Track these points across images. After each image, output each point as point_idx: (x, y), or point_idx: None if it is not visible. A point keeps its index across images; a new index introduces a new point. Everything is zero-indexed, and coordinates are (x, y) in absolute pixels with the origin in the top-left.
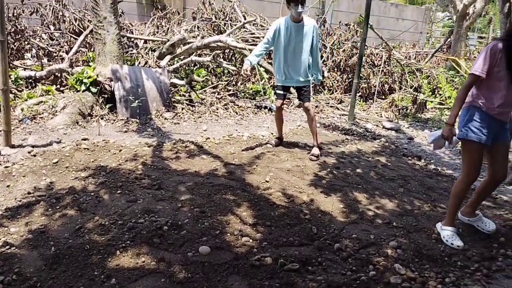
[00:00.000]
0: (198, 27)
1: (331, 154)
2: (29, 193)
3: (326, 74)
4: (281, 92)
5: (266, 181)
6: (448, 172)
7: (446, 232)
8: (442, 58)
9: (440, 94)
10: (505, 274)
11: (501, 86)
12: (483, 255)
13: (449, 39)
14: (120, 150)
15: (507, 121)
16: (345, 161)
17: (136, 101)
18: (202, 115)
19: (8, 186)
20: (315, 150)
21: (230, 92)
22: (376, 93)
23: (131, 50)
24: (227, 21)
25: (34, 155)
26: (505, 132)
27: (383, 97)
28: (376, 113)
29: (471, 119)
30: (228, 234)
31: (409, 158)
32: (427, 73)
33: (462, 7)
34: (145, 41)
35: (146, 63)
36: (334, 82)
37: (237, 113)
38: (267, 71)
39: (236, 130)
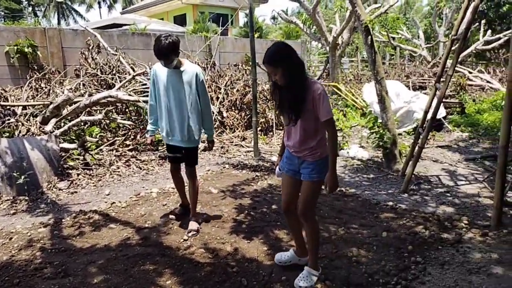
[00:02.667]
0: (83, 85)
1: (245, 195)
2: None
3: (225, 114)
4: (170, 154)
5: (185, 239)
6: (352, 191)
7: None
8: (324, 84)
9: None
10: (420, 281)
11: None
12: (398, 266)
13: (327, 66)
14: (11, 238)
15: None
16: (259, 199)
17: (22, 177)
18: (102, 177)
19: None
20: (192, 225)
21: (130, 147)
22: (274, 125)
23: (8, 120)
24: (114, 74)
25: None
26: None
27: (281, 128)
28: (278, 144)
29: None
30: None
31: None
32: None
33: (332, 39)
34: (24, 107)
35: (28, 131)
36: (234, 121)
37: (141, 169)
38: None
39: (143, 187)
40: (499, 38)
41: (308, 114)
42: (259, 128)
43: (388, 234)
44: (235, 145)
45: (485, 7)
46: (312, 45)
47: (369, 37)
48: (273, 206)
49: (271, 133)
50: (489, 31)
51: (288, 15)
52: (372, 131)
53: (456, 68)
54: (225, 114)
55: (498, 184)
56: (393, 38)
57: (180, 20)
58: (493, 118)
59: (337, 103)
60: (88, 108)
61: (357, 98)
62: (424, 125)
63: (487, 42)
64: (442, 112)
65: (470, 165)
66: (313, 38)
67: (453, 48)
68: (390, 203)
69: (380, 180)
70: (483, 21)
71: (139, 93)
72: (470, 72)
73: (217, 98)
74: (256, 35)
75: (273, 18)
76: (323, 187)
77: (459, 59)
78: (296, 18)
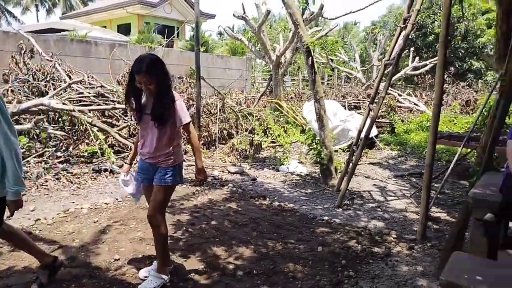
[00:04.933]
0: (12, 91)
1: (184, 210)
2: None
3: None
4: None
5: (116, 259)
6: (290, 206)
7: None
8: (267, 101)
9: (271, 134)
10: None
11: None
12: (332, 281)
13: (270, 84)
14: None
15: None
16: (199, 214)
17: None
18: (28, 191)
19: None
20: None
21: (61, 159)
22: (217, 139)
23: None
24: (48, 81)
25: None
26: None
27: (224, 142)
28: (220, 159)
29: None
30: None
31: (256, 199)
32: (257, 116)
33: (276, 57)
34: None
35: None
36: None
37: (72, 182)
38: (101, 130)
39: (73, 202)
40: (426, 65)
41: (168, 122)
42: (201, 142)
43: (324, 249)
44: None
45: (414, 36)
46: (256, 62)
47: (310, 58)
48: (213, 222)
49: (214, 147)
50: (417, 58)
51: (234, 31)
52: (310, 147)
53: (388, 91)
54: None
55: (423, 200)
56: (332, 60)
57: (124, 29)
58: (419, 138)
59: (279, 120)
60: (17, 116)
61: (297, 115)
62: (358, 143)
63: (415, 68)
64: (374, 131)
65: (398, 182)
66: (257, 55)
67: (385, 71)
68: (326, 218)
69: (317, 195)
70: (412, 48)
71: (74, 102)
72: (400, 95)
73: None
74: (202, 49)
75: (220, 33)
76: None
77: (391, 82)
78: (242, 35)
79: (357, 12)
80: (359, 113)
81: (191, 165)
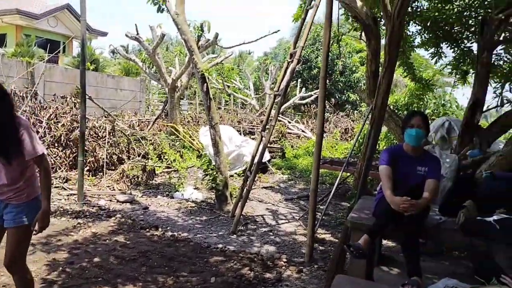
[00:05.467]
0: None
1: (62, 247)
2: None
3: (46, 151)
4: None
5: None
6: (184, 235)
7: None
8: (163, 124)
9: (166, 159)
10: None
11: None
12: None
13: (166, 107)
14: None
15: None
16: (79, 251)
17: None
18: None
19: None
20: None
21: None
22: (105, 165)
23: None
24: None
25: None
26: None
27: (113, 168)
28: (108, 186)
29: None
30: None
31: (147, 230)
32: (151, 140)
33: (171, 81)
34: None
35: None
36: (57, 159)
37: None
38: None
39: None
40: (311, 95)
41: (15, 155)
42: (86, 168)
43: (217, 279)
44: (56, 187)
45: (301, 69)
46: (152, 84)
47: (205, 84)
48: (96, 259)
49: (101, 173)
50: (304, 89)
51: (129, 51)
52: (206, 173)
53: (278, 118)
54: (45, 151)
55: (310, 223)
56: (228, 86)
57: None
58: (306, 162)
59: (175, 144)
60: None
61: (194, 139)
62: (252, 168)
63: (302, 98)
64: (267, 156)
65: (289, 205)
66: (152, 77)
67: (276, 101)
68: (220, 246)
69: (212, 222)
70: (299, 80)
71: None
72: (290, 122)
73: (37, 132)
74: (91, 67)
75: (113, 52)
76: (33, 228)
77: (281, 111)
78: (136, 56)
79: (251, 43)
80: (253, 139)
81: (73, 194)
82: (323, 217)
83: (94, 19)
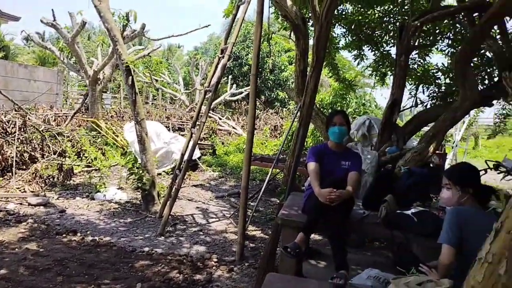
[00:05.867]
0: None
1: None
2: None
3: None
4: None
5: None
6: (107, 240)
7: None
8: (82, 119)
9: (86, 157)
10: None
11: None
12: None
13: (86, 101)
14: None
15: None
16: None
17: None
18: None
19: None
20: None
21: None
22: (14, 164)
23: None
24: None
25: None
26: None
27: (25, 168)
28: (18, 188)
29: None
30: None
31: (64, 235)
32: (69, 136)
33: (93, 72)
34: None
35: None
36: None
37: None
38: None
39: None
40: (242, 92)
41: None
42: None
43: (143, 285)
44: None
45: (231, 65)
46: (71, 75)
47: (130, 77)
48: (2, 271)
49: (10, 173)
50: (234, 85)
51: (44, 39)
52: (131, 172)
53: (209, 114)
54: None
55: (241, 221)
56: (156, 80)
57: None
58: (237, 159)
59: (96, 141)
60: None
61: (118, 136)
62: (181, 166)
63: (233, 94)
64: (197, 153)
65: (219, 202)
66: (71, 68)
67: (206, 97)
68: (146, 249)
69: (138, 224)
70: (230, 76)
71: None
72: (220, 118)
73: None
74: (0, 55)
75: (26, 39)
76: None
77: (211, 107)
78: (53, 44)
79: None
80: (183, 135)
81: None
82: (254, 214)
83: (5, 1)
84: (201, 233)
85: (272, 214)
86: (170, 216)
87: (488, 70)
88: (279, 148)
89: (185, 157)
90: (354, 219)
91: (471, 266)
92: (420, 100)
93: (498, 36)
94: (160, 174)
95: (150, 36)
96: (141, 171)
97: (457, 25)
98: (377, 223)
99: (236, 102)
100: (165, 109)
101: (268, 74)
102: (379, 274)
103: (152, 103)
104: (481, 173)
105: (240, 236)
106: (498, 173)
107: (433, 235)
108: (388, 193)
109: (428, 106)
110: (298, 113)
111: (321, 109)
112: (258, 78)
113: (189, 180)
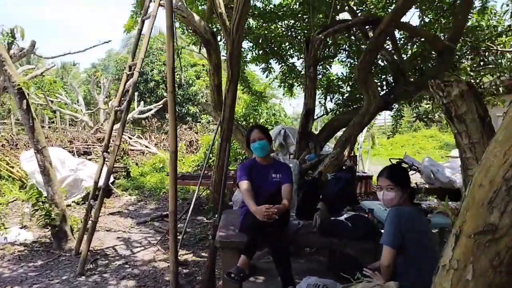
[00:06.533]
0: None
1: None
2: None
3: None
4: None
5: None
6: None
7: None
8: None
9: None
10: None
11: None
12: None
13: None
14: None
15: None
16: None
17: None
18: None
19: None
20: None
21: None
22: None
23: None
24: None
25: None
26: None
27: None
28: None
29: None
30: None
31: None
32: None
33: None
34: None
35: None
36: None
37: None
38: None
39: None
40: (150, 109)
41: None
42: None
43: None
44: None
45: (137, 81)
46: None
47: (25, 101)
48: None
49: None
50: (142, 102)
51: None
52: (36, 207)
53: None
54: None
55: (172, 248)
56: (52, 101)
57: None
58: (155, 180)
59: None
60: None
61: (13, 167)
62: (95, 196)
63: (141, 112)
64: (110, 178)
65: (142, 229)
66: None
67: (117, 117)
68: None
69: (52, 266)
70: (136, 93)
71: None
72: (131, 138)
73: None
74: None
75: None
76: None
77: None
78: None
79: (76, 54)
80: (90, 159)
81: None
82: (183, 237)
83: None
84: (127, 266)
85: (201, 234)
86: (88, 252)
87: (384, 78)
88: (204, 165)
89: (101, 184)
90: (290, 230)
91: (435, 273)
92: (330, 109)
93: (389, 47)
94: (69, 205)
95: (42, 54)
96: (48, 205)
97: (352, 37)
98: (313, 232)
99: (146, 120)
100: (66, 132)
101: (177, 90)
102: (318, 281)
103: (49, 127)
104: None
105: (173, 264)
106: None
107: (364, 238)
108: (317, 201)
109: (338, 113)
110: (219, 128)
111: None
112: (167, 94)
113: (104, 208)
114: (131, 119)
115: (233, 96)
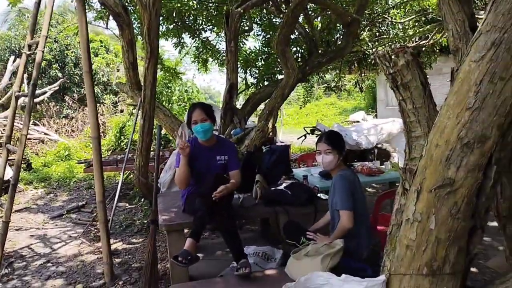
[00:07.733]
0: None
1: None
2: None
3: None
4: None
5: None
6: None
7: None
8: None
9: None
10: None
11: None
12: None
13: None
14: None
15: None
16: None
17: None
18: None
19: None
20: None
21: None
22: None
23: None
24: None
25: None
26: None
27: None
28: None
29: None
30: None
31: None
32: None
33: None
34: None
35: None
36: None
37: None
38: None
39: None
40: (45, 92)
41: None
42: None
43: None
44: None
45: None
46: None
47: None
48: None
49: None
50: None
51: None
52: None
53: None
54: None
55: (104, 240)
56: None
57: None
58: (62, 169)
59: None
60: None
61: None
62: (5, 192)
63: (36, 96)
64: (9, 172)
65: (58, 223)
66: None
67: (20, 103)
68: None
69: None
70: (25, 75)
71: None
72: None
73: None
74: None
75: None
76: None
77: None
78: None
79: None
80: None
81: None
82: (110, 225)
83: None
84: (49, 264)
85: (126, 220)
86: (1, 256)
87: (297, 50)
88: (128, 148)
89: (11, 180)
90: (234, 206)
91: (400, 227)
92: (251, 83)
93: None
94: None
95: None
96: None
97: (264, 11)
98: (256, 204)
99: (42, 104)
100: None
101: (73, 69)
102: (257, 249)
103: None
104: (302, 138)
105: (106, 256)
106: (316, 136)
107: (305, 203)
108: (254, 173)
109: (260, 87)
110: (141, 109)
111: None
112: (61, 74)
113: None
114: (22, 104)
115: (154, 74)
